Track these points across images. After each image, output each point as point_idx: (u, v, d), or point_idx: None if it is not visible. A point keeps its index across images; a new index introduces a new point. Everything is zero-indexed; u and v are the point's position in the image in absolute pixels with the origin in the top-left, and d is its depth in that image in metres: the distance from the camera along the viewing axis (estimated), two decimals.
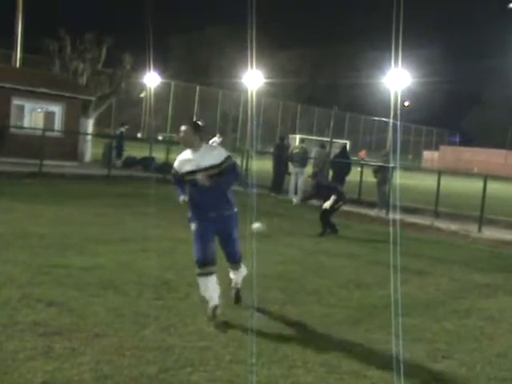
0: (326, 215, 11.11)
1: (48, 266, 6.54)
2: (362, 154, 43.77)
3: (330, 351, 4.76)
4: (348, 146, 49.88)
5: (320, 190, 11.26)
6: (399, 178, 21.81)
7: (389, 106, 51.77)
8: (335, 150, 27.68)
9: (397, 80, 49.36)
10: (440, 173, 15.36)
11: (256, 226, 8.09)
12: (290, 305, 6.02)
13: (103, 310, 5.20)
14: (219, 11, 64.49)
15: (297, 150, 17.51)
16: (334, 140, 48.68)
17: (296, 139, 44.52)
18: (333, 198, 10.95)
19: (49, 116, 20.44)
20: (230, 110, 58.20)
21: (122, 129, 23.23)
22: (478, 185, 15.53)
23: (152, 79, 53.46)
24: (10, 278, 5.97)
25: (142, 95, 58.46)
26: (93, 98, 21.86)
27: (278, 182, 18.19)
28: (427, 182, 24.24)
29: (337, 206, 11.17)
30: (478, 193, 13.92)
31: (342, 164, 16.36)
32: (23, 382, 3.73)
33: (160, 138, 41.77)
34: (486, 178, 13.36)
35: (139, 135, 43.83)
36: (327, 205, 10.94)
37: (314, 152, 19.31)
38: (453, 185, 24.65)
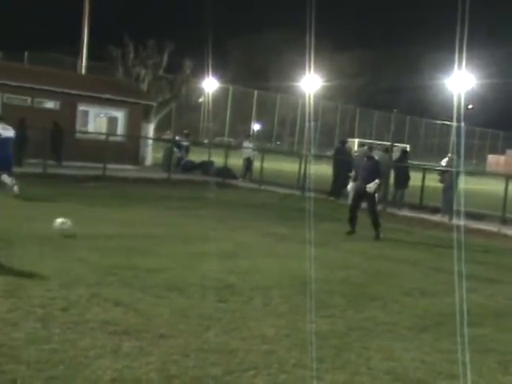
0: (375, 216, 10.94)
1: (115, 266, 6.72)
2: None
3: (395, 359, 4.68)
4: (408, 150, 49.26)
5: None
6: (464, 183, 21.25)
7: (451, 109, 50.54)
8: (396, 154, 27.26)
9: (460, 82, 48.15)
10: (508, 178, 14.79)
11: (59, 221, 8.12)
12: (351, 310, 5.95)
13: (168, 312, 5.29)
14: (277, 14, 64.66)
15: (357, 154, 17.30)
16: (395, 144, 48.01)
17: (355, 143, 44.07)
18: (376, 181, 10.77)
19: (112, 121, 21.04)
20: (288, 115, 58.18)
21: (185, 143, 23.29)
22: None
23: (210, 84, 54.15)
24: (80, 277, 6.17)
25: (201, 100, 59.31)
26: (154, 104, 22.35)
27: (338, 186, 18.01)
28: (492, 186, 23.45)
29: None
30: None
31: (403, 168, 16.07)
32: (94, 379, 3.83)
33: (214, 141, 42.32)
34: None
35: (204, 141, 44.50)
36: (370, 187, 10.74)
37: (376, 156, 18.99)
38: None
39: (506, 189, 14.40)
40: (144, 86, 23.16)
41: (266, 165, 24.38)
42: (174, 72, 23.66)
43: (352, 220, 11.09)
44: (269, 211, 14.00)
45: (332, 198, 17.42)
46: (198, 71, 54.04)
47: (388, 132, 58.09)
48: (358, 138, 45.23)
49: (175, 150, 21.66)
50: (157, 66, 22.93)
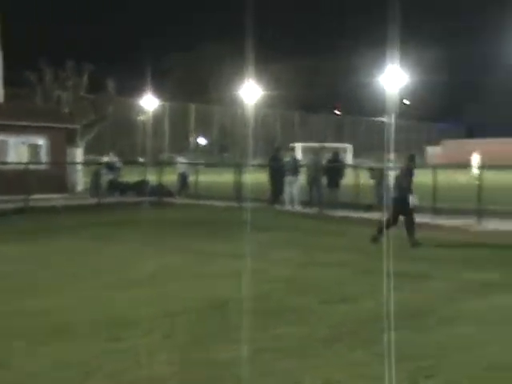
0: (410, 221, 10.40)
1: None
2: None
3: (304, 374, 4.23)
4: (351, 150, 49.54)
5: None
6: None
7: (388, 106, 51.18)
8: (342, 155, 27.28)
9: (394, 79, 48.83)
10: (435, 168, 14.75)
11: None
12: (261, 330, 5.44)
13: (48, 363, 4.64)
14: (213, 28, 64.38)
15: (288, 159, 17.03)
16: (336, 145, 48.23)
17: (298, 148, 44.00)
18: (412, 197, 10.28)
19: (34, 149, 20.09)
20: (231, 126, 57.91)
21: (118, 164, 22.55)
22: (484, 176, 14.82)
23: (150, 102, 53.40)
24: None
25: (141, 118, 58.37)
26: (77, 126, 21.52)
27: (276, 193, 17.67)
28: (429, 177, 23.55)
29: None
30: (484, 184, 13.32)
31: (335, 168, 15.84)
32: None
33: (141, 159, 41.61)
34: (482, 167, 12.75)
35: (140, 159, 43.64)
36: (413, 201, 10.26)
37: (307, 160, 18.82)
38: (456, 178, 23.97)
39: (435, 179, 14.33)
40: (66, 109, 22.30)
41: (204, 178, 23.94)
42: (97, 92, 22.92)
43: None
44: (203, 227, 13.48)
45: (276, 206, 17.02)
46: (136, 90, 53.42)
47: (329, 134, 58.61)
48: (301, 142, 45.14)
49: (106, 172, 20.91)
50: (77, 88, 22.13)
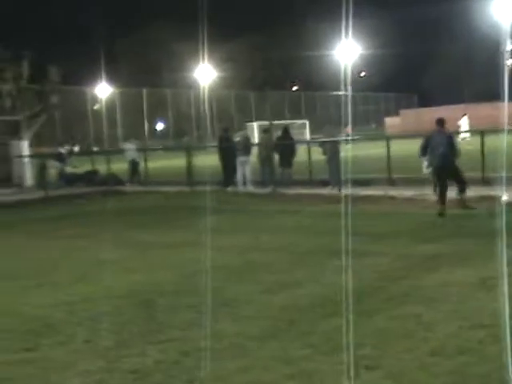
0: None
1: None
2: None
3: (232, 377, 3.80)
4: (307, 126, 49.23)
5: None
6: (359, 150, 20.94)
7: (344, 79, 50.96)
8: (293, 132, 26.74)
9: (348, 51, 48.58)
10: (388, 138, 14.47)
11: None
12: (195, 327, 4.99)
13: None
14: (163, 7, 62.64)
15: (238, 139, 16.52)
16: (293, 121, 47.85)
17: (253, 127, 43.48)
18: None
19: None
20: (188, 109, 56.93)
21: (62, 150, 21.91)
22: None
23: (102, 89, 52.08)
24: None
25: (96, 107, 56.92)
26: (18, 118, 20.54)
27: (228, 175, 17.16)
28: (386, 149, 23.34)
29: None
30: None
31: (286, 146, 15.40)
32: None
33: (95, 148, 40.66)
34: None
35: (95, 148, 42.53)
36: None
37: (257, 138, 18.34)
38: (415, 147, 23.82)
39: (388, 149, 14.06)
40: (8, 102, 21.23)
41: (157, 164, 23.26)
42: (41, 82, 21.83)
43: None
44: (150, 216, 12.93)
45: (229, 189, 16.53)
46: (88, 78, 51.92)
47: (286, 111, 58.15)
48: (257, 121, 44.59)
49: (54, 163, 20.10)
50: (17, 78, 21.05)
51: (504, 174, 8.96)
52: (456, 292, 5.28)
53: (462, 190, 10.32)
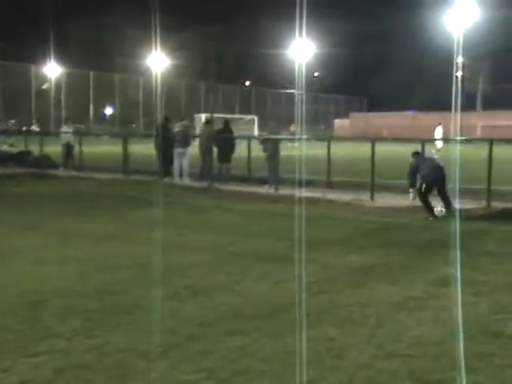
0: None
1: None
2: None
3: None
4: (256, 121, 48.78)
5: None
6: (304, 150, 20.54)
7: (296, 78, 50.74)
8: (242, 127, 26.28)
9: (302, 50, 48.38)
10: (330, 140, 14.10)
11: None
12: (81, 336, 4.37)
13: None
14: None
15: (177, 129, 15.83)
16: (242, 116, 47.39)
17: (201, 118, 42.69)
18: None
19: None
20: (138, 95, 55.61)
21: None
22: (386, 149, 14.36)
23: (50, 69, 50.29)
24: None
25: (45, 87, 54.89)
26: None
27: (166, 164, 16.44)
28: (336, 150, 23.12)
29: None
30: (385, 158, 12.77)
31: (225, 140, 14.82)
32: None
33: (35, 128, 39.01)
34: (373, 141, 12.18)
35: (36, 128, 40.82)
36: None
37: (198, 129, 17.70)
38: (362, 151, 23.71)
39: (329, 152, 13.69)
40: None
41: (96, 149, 22.29)
42: None
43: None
44: (78, 203, 12.13)
45: (166, 179, 15.81)
46: (39, 56, 49.88)
47: (236, 105, 57.61)
48: (206, 113, 43.87)
49: None
50: None
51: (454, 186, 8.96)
52: (375, 313, 4.81)
53: (447, 205, 9.99)
